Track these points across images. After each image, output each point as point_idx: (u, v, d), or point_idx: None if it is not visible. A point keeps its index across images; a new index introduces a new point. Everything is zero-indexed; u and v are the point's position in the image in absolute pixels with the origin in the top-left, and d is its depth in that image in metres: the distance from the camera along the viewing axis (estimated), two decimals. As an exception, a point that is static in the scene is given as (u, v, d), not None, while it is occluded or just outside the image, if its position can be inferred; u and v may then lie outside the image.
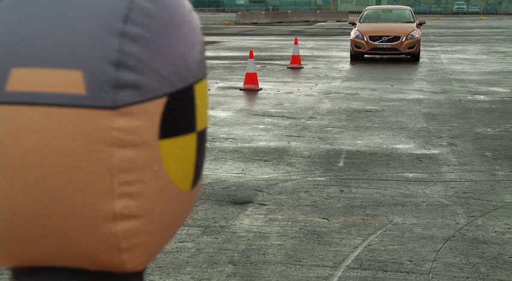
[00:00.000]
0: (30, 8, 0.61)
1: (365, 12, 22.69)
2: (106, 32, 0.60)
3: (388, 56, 20.55)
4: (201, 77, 0.67)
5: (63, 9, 0.61)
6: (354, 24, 21.98)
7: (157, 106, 0.61)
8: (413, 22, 21.59)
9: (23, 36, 0.60)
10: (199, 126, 0.66)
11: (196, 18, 0.68)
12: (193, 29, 0.67)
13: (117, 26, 0.60)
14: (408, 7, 23.65)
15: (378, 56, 20.88)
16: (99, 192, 0.60)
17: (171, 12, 0.64)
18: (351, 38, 20.74)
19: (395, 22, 21.63)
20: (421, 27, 21.88)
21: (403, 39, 20.02)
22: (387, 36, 20.19)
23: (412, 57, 20.43)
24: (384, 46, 20.16)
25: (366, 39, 20.19)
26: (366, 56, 20.87)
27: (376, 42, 20.17)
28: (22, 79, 0.60)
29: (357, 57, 20.57)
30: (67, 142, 0.59)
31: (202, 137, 0.68)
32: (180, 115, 0.64)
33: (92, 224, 0.61)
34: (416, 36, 20.26)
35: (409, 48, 20.04)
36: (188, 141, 0.65)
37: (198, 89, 0.66)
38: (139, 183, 0.61)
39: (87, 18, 0.60)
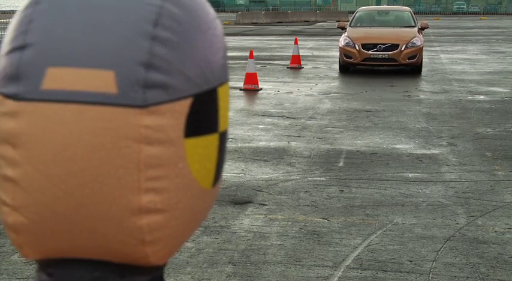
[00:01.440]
0: (65, 12, 0.65)
1: (357, 14, 19.22)
2: (137, 35, 0.63)
3: (385, 67, 17.68)
4: (224, 80, 0.70)
5: (97, 13, 0.64)
6: (343, 28, 18.62)
7: (183, 106, 0.65)
8: (414, 26, 18.33)
9: (58, 38, 0.64)
10: (221, 127, 0.70)
11: (220, 26, 0.72)
12: (217, 35, 0.70)
13: (148, 30, 0.64)
14: (408, 8, 20.09)
15: (372, 67, 17.91)
16: (127, 186, 0.63)
17: (197, 18, 0.68)
18: (340, 45, 17.44)
19: (393, 26, 18.38)
20: (422, 32, 18.57)
21: (403, 48, 16.92)
22: (383, 44, 16.97)
23: (412, 69, 17.39)
24: (380, 56, 16.98)
25: (357, 48, 17.05)
26: (358, 67, 17.93)
27: (370, 52, 16.98)
28: (57, 78, 0.63)
29: (346, 69, 17.62)
30: (98, 138, 0.62)
31: (223, 138, 0.71)
32: (204, 116, 0.67)
33: (118, 218, 0.64)
34: (418, 44, 17.11)
35: (409, 59, 16.95)
36: (211, 141, 0.68)
37: (221, 91, 0.69)
38: (164, 179, 0.64)
39: (119, 22, 0.64)
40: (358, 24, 18.69)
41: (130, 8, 0.65)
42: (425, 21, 18.88)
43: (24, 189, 0.64)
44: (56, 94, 0.63)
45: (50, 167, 0.63)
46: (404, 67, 17.38)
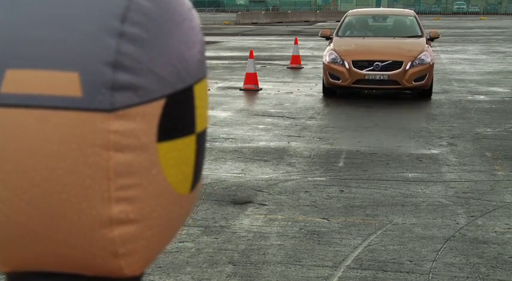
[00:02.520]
0: (23, 8, 0.60)
1: (346, 20, 14.53)
2: (103, 32, 0.58)
3: (384, 90, 13.33)
4: (201, 77, 0.65)
5: (59, 8, 0.59)
6: (328, 38, 14.30)
7: (155, 108, 0.60)
8: (421, 36, 13.79)
9: (17, 37, 0.59)
10: (198, 128, 0.65)
11: (196, 17, 0.67)
12: (193, 27, 0.65)
13: (115, 26, 0.59)
14: (411, 11, 15.31)
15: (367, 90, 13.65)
16: (96, 197, 0.59)
17: (170, 10, 0.63)
18: (324, 61, 13.12)
19: (394, 36, 13.79)
20: (430, 43, 14.00)
21: (407, 66, 12.56)
22: (382, 62, 12.65)
23: (420, 94, 13.05)
24: (377, 77, 12.60)
25: (347, 66, 12.69)
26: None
27: (364, 71, 12.61)
28: (16, 81, 0.58)
29: (333, 93, 13.25)
30: (62, 145, 0.58)
31: (201, 139, 0.66)
32: (179, 117, 0.62)
33: (88, 230, 0.60)
34: (428, 60, 12.77)
35: (416, 81, 12.59)
36: (187, 143, 0.64)
37: (197, 89, 0.64)
38: (136, 187, 0.60)
39: (83, 17, 0.59)
40: (348, 33, 14.18)
41: (95, 2, 0.59)
42: (435, 30, 14.60)
43: None
44: (16, 98, 0.58)
45: (11, 176, 0.59)
46: (409, 91, 13.30)
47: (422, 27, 14.20)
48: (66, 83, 0.57)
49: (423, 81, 12.67)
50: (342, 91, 13.28)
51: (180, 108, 0.62)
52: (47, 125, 0.57)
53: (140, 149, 0.60)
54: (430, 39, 14.03)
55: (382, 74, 12.65)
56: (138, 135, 0.59)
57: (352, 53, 13.04)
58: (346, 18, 14.67)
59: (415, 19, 14.49)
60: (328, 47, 13.55)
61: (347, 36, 14.03)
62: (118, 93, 0.58)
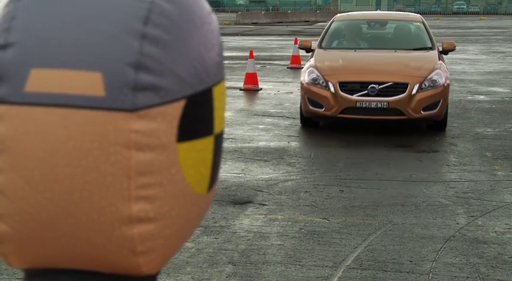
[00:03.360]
0: (49, 9, 0.61)
1: (333, 25, 11.05)
2: (126, 33, 0.60)
3: (382, 121, 9.62)
4: (220, 79, 0.67)
5: (83, 10, 0.60)
6: (309, 50, 10.79)
7: (175, 109, 0.61)
8: (431, 48, 10.34)
9: (42, 37, 0.60)
10: (216, 129, 0.66)
11: (215, 20, 0.68)
12: (212, 30, 0.66)
13: (137, 28, 0.60)
14: (418, 16, 11.52)
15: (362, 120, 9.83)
16: (116, 195, 0.60)
17: (190, 13, 0.64)
18: (302, 81, 9.68)
19: (396, 49, 10.26)
20: (443, 58, 10.41)
21: (414, 90, 9.25)
22: (379, 84, 9.25)
23: (431, 126, 9.72)
24: (373, 105, 9.24)
25: (332, 89, 9.30)
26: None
27: (354, 96, 9.24)
28: (41, 80, 0.59)
29: (314, 124, 9.87)
30: (85, 143, 0.59)
31: (219, 140, 0.67)
32: (198, 118, 0.63)
33: (108, 227, 0.61)
34: (441, 81, 9.46)
35: (425, 109, 9.28)
36: (206, 144, 0.65)
37: (216, 91, 0.66)
38: (156, 186, 0.61)
39: (107, 19, 0.60)
40: (335, 44, 10.58)
41: (118, 4, 0.60)
42: (450, 41, 10.70)
43: (8, 197, 0.61)
44: (40, 97, 0.59)
45: (34, 174, 0.60)
46: (417, 121, 9.64)
47: (432, 36, 10.63)
48: (89, 82, 0.59)
49: (435, 110, 9.23)
50: (327, 122, 9.85)
51: (200, 109, 0.63)
52: (70, 123, 0.59)
53: (160, 149, 0.61)
54: (443, 53, 10.46)
55: (380, 101, 9.18)
56: (158, 135, 0.60)
57: (339, 71, 9.51)
58: (333, 23, 10.94)
59: (422, 25, 10.81)
60: (308, 63, 9.98)
61: (333, 49, 10.39)
62: (140, 93, 0.59)
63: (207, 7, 0.67)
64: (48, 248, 0.62)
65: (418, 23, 10.95)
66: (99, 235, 0.61)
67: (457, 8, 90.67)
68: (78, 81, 0.59)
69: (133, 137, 0.59)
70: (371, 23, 11.70)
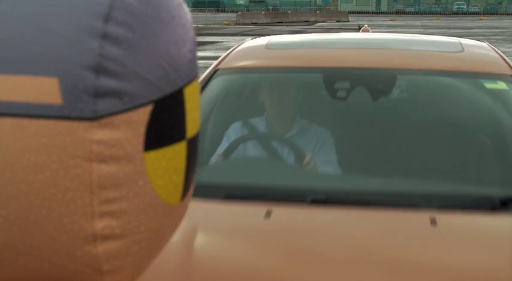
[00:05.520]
0: None
1: (213, 88, 2.85)
2: (84, 33, 0.54)
3: None
4: (192, 78, 0.61)
5: (36, 7, 0.54)
6: None
7: (142, 115, 0.56)
8: None
9: None
10: (189, 133, 0.61)
11: (186, 13, 0.62)
12: (183, 24, 0.60)
13: (97, 27, 0.54)
14: (486, 44, 3.14)
15: None
16: (78, 211, 0.55)
17: (158, 7, 0.58)
18: None
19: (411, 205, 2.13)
20: None
21: None
22: None
23: None
24: None
25: None
26: None
27: None
28: None
29: None
30: (41, 156, 0.54)
31: (193, 144, 0.62)
32: (168, 123, 0.58)
33: (69, 246, 0.56)
34: None
35: None
36: (177, 150, 0.59)
37: (188, 92, 0.60)
38: (122, 200, 0.56)
39: (63, 17, 0.54)
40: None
41: (75, 1, 0.54)
42: None
43: None
44: None
45: None
46: None
47: None
48: (44, 89, 0.53)
49: None
50: None
51: (169, 113, 0.58)
52: (24, 134, 0.53)
53: (125, 160, 0.55)
54: None
55: None
56: (123, 145, 0.55)
57: None
58: (215, 80, 3.00)
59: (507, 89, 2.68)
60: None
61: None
62: (101, 100, 0.54)
63: None
64: (7, 268, 0.57)
65: (498, 85, 2.77)
66: (60, 255, 0.56)
67: (457, 8, 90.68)
68: (31, 88, 0.53)
69: (94, 148, 0.54)
70: (341, 82, 2.95)
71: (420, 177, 2.46)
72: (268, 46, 3.19)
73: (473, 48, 3.07)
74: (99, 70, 0.54)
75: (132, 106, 0.55)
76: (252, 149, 2.69)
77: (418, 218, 2.09)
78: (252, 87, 3.08)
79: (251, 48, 3.33)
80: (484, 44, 3.20)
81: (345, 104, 2.89)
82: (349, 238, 2.02)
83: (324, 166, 2.59)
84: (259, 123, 2.80)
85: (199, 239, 2.02)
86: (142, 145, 0.56)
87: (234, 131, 2.77)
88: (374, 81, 2.87)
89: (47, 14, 0.54)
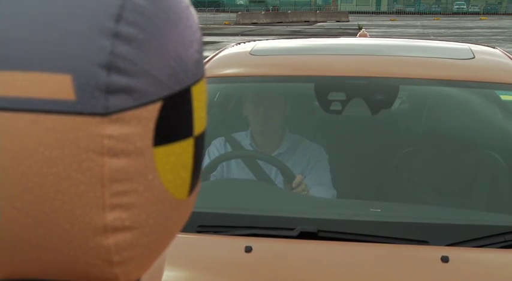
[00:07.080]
0: (12, 6, 0.57)
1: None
2: (97, 32, 0.56)
3: None
4: (199, 77, 0.63)
5: (50, 7, 0.56)
6: None
7: (151, 111, 0.58)
8: None
9: (4, 37, 0.56)
10: (196, 131, 0.63)
11: (194, 14, 0.64)
12: (191, 26, 0.63)
13: (109, 26, 0.56)
14: (498, 50, 2.85)
15: None
16: (89, 204, 0.57)
17: (167, 9, 0.60)
18: None
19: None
20: None
21: None
22: None
23: None
24: None
25: None
26: None
27: None
28: (5, 83, 0.55)
29: None
30: (55, 150, 0.55)
31: (199, 142, 0.64)
32: (176, 120, 0.60)
33: (81, 238, 0.58)
34: None
35: None
36: (185, 147, 0.61)
37: (195, 90, 0.62)
38: (132, 193, 0.58)
39: (76, 17, 0.56)
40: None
41: (87, 1, 0.56)
42: None
43: None
44: (4, 102, 0.55)
45: (2, 183, 0.56)
46: None
47: None
48: (58, 86, 0.55)
49: None
50: None
51: (177, 111, 0.60)
52: (38, 129, 0.55)
53: (136, 154, 0.57)
54: None
55: None
56: (133, 140, 0.57)
57: None
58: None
59: None
60: None
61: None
62: (112, 96, 0.55)
63: (185, 1, 0.63)
64: (20, 259, 0.59)
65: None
66: (72, 246, 0.58)
67: (457, 8, 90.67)
68: (46, 85, 0.55)
69: (106, 143, 0.56)
70: (335, 93, 2.78)
71: (424, 202, 2.20)
72: (253, 52, 2.73)
73: (485, 55, 2.71)
74: (110, 68, 0.55)
75: (142, 103, 0.57)
76: (234, 169, 2.41)
77: (426, 254, 1.82)
78: (236, 99, 2.82)
79: (234, 54, 2.87)
80: (497, 51, 2.83)
81: (339, 118, 2.62)
82: (342, 275, 1.80)
83: (316, 188, 2.26)
84: (244, 139, 2.51)
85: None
86: (152, 140, 0.58)
87: (215, 148, 2.48)
88: (373, 92, 2.57)
89: (62, 14, 0.56)
